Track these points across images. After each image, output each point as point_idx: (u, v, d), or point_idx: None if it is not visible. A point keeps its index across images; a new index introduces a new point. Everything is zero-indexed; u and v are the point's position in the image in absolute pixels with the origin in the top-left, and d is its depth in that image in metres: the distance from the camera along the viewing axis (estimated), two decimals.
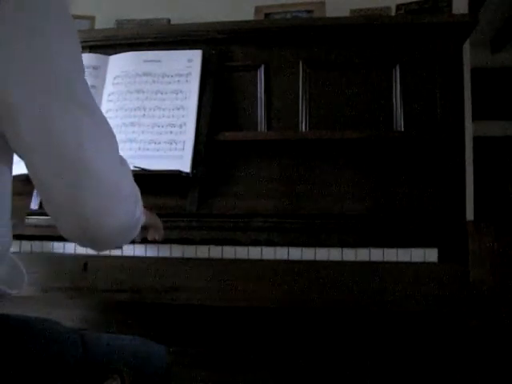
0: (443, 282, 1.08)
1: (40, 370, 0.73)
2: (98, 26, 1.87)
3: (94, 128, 0.70)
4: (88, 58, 1.46)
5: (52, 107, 0.66)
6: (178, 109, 1.39)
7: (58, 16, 0.68)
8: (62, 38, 0.69)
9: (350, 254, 1.14)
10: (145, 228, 1.08)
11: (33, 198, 1.32)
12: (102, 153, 0.71)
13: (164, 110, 1.39)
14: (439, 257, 1.12)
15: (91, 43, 1.50)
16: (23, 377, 0.71)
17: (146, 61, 1.46)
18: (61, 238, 1.24)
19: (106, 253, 1.20)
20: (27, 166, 0.70)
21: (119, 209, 0.74)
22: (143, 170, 1.30)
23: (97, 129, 0.71)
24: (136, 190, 0.82)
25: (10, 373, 0.70)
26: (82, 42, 1.54)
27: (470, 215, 1.64)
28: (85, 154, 0.67)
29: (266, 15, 1.79)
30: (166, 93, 1.41)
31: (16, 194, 0.77)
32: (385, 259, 1.13)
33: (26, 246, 1.24)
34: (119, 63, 1.47)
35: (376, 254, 1.14)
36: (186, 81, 1.42)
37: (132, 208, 0.79)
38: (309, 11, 1.76)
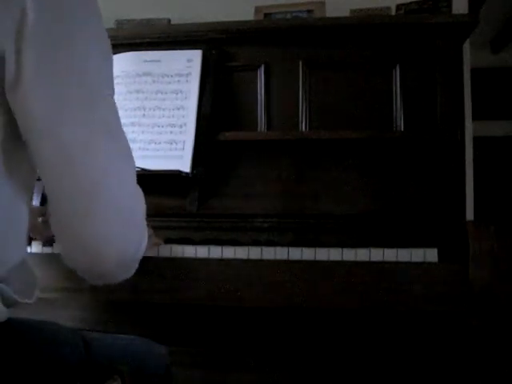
0: (443, 282, 1.08)
1: (41, 371, 0.73)
2: None
3: (114, 152, 0.68)
4: None
5: (74, 125, 0.64)
6: (178, 109, 1.39)
7: (90, 29, 0.68)
8: (91, 52, 0.67)
9: (349, 254, 1.14)
10: None
11: (33, 197, 1.32)
12: (119, 178, 0.69)
13: (164, 110, 1.39)
14: (439, 257, 1.12)
15: None
16: (24, 378, 0.71)
17: (146, 61, 1.46)
18: None
19: None
20: (46, 188, 0.68)
21: (127, 236, 0.72)
22: (143, 170, 1.30)
23: (116, 153, 0.69)
24: (145, 223, 0.77)
25: (11, 374, 0.70)
26: None
27: (470, 215, 1.64)
28: (100, 177, 0.66)
29: (266, 15, 1.79)
30: (166, 93, 1.41)
31: None
32: (385, 259, 1.13)
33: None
34: (119, 63, 1.47)
35: (376, 254, 1.14)
36: (186, 81, 1.42)
37: (139, 241, 0.75)
38: (309, 11, 1.76)
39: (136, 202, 0.74)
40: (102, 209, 0.67)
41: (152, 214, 1.21)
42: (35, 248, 1.24)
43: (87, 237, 0.67)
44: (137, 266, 0.80)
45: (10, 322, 0.74)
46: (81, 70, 0.65)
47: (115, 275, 0.76)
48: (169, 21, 1.82)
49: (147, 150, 1.36)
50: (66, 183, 0.66)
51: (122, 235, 0.70)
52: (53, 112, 0.63)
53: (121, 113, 1.38)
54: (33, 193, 0.75)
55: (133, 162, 0.74)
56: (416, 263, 1.12)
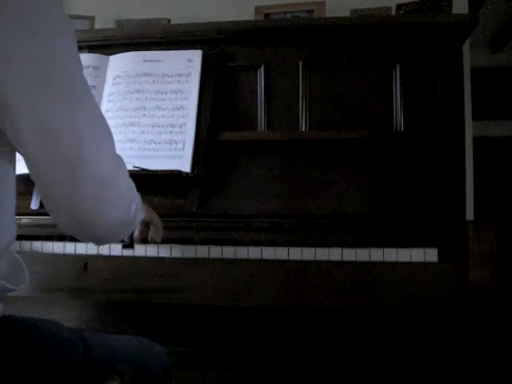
0: (443, 282, 1.08)
1: (40, 370, 0.73)
2: (97, 26, 1.87)
3: (92, 126, 0.71)
4: (88, 58, 1.46)
5: (50, 106, 0.66)
6: (178, 109, 1.39)
7: (57, 16, 0.68)
8: (61, 38, 0.69)
9: (349, 254, 1.14)
10: (146, 226, 1.08)
11: (33, 197, 1.32)
12: (99, 150, 0.72)
13: (164, 109, 1.39)
14: (439, 257, 1.12)
15: (91, 43, 1.50)
16: (24, 377, 0.71)
17: (145, 61, 1.46)
18: (61, 238, 1.25)
19: (106, 253, 1.20)
20: (27, 163, 0.70)
21: (115, 204, 0.76)
22: (143, 169, 1.30)
23: (94, 127, 0.72)
24: (132, 187, 0.83)
25: (10, 373, 0.70)
26: (81, 42, 1.55)
27: (470, 215, 1.64)
28: (82, 152, 0.68)
29: (266, 15, 1.79)
30: (166, 93, 1.41)
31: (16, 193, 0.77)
32: (385, 259, 1.13)
33: (26, 245, 1.24)
34: (119, 63, 1.47)
35: (376, 254, 1.14)
36: (186, 81, 1.42)
37: (127, 204, 0.80)
38: (309, 11, 1.76)
39: (117, 169, 0.77)
40: (84, 179, 0.69)
41: None
42: (36, 247, 1.24)
43: (76, 208, 0.71)
44: (133, 228, 0.90)
45: (9, 320, 0.75)
46: (51, 50, 0.67)
47: (112, 237, 0.84)
48: (169, 21, 1.82)
49: (147, 149, 1.36)
50: (47, 159, 0.68)
51: (109, 202, 0.74)
52: (28, 94, 0.65)
53: (121, 113, 1.40)
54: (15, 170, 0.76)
55: (110, 132, 0.77)
56: (416, 263, 1.12)
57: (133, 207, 0.82)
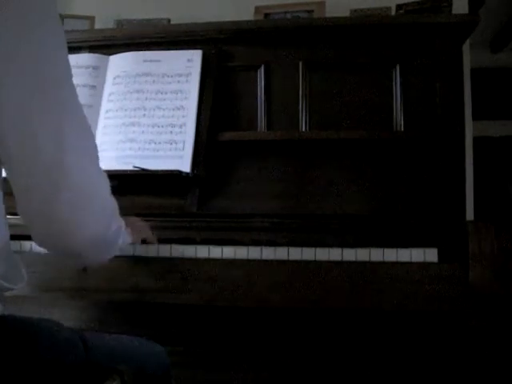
0: (443, 281, 1.08)
1: (40, 370, 0.73)
2: (97, 26, 1.87)
3: (76, 133, 0.69)
4: (88, 58, 1.46)
5: (36, 109, 0.65)
6: (178, 109, 1.39)
7: (55, 16, 0.68)
8: (60, 38, 0.69)
9: (350, 254, 1.14)
10: (142, 242, 1.10)
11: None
12: (81, 158, 0.70)
13: (164, 109, 1.40)
14: (439, 257, 1.12)
15: (91, 43, 1.50)
16: (23, 377, 0.71)
17: (145, 61, 1.46)
18: None
19: None
20: (7, 168, 0.69)
21: (94, 218, 0.73)
22: (143, 169, 1.30)
23: (78, 134, 0.70)
24: (113, 203, 0.80)
25: (10, 373, 0.70)
26: (81, 42, 1.54)
27: (470, 215, 1.64)
28: (63, 157, 0.67)
29: (266, 15, 1.79)
30: (166, 93, 1.41)
31: (9, 194, 0.76)
32: (385, 259, 1.13)
33: (26, 245, 1.24)
34: (119, 63, 1.47)
35: (376, 254, 1.14)
36: (186, 81, 1.42)
37: (107, 220, 0.77)
38: (309, 11, 1.76)
39: (99, 185, 0.75)
40: (63, 184, 0.67)
41: (152, 214, 1.22)
42: (36, 247, 1.23)
43: (52, 217, 0.69)
44: (114, 250, 0.83)
45: (9, 320, 0.74)
46: (51, 51, 0.66)
47: (87, 255, 0.78)
48: (169, 21, 1.82)
49: (147, 149, 1.36)
50: (28, 162, 0.66)
51: (88, 216, 0.72)
52: (27, 95, 0.64)
53: (121, 113, 1.41)
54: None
55: (95, 147, 0.75)
56: (416, 263, 1.12)
57: (113, 225, 0.79)
